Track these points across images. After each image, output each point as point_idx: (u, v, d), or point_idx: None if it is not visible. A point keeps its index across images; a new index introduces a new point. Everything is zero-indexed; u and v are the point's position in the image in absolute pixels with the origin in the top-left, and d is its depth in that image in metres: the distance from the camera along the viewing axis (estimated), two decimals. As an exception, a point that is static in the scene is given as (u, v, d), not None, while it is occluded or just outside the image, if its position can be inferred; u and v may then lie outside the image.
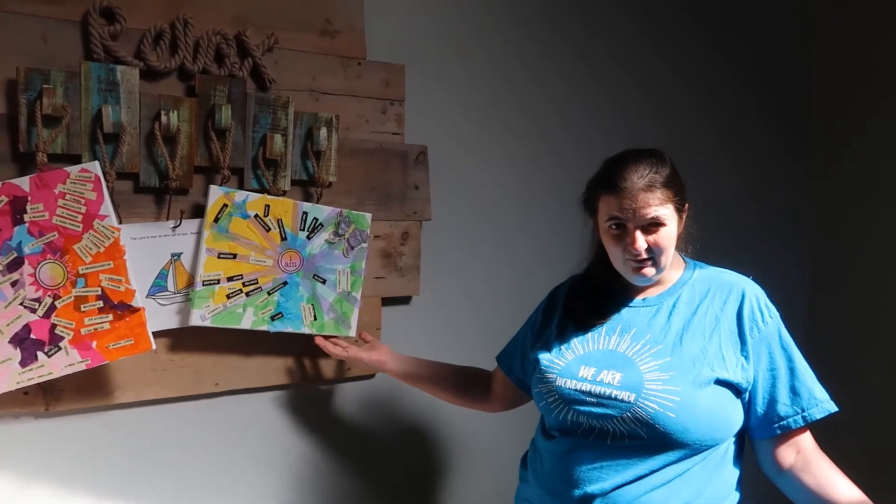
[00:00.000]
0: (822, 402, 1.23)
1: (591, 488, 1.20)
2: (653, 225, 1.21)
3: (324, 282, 1.60)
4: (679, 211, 1.25)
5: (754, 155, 2.35)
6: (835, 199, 2.41)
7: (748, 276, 1.32)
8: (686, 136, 2.20)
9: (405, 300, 1.80)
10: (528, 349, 1.41)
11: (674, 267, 1.30)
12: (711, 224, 2.06)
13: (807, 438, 1.25)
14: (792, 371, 1.24)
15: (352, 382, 1.74)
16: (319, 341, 1.56)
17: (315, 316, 1.59)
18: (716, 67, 2.27)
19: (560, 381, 1.26)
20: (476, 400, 1.58)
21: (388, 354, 1.57)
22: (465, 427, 1.88)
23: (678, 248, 1.29)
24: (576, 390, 1.24)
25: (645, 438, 1.18)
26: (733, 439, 1.26)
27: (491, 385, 1.55)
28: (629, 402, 1.19)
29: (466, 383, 1.57)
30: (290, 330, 1.56)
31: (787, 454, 1.25)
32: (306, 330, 1.58)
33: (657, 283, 1.30)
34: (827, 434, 1.35)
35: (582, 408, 1.23)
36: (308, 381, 1.66)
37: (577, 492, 1.21)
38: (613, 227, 1.24)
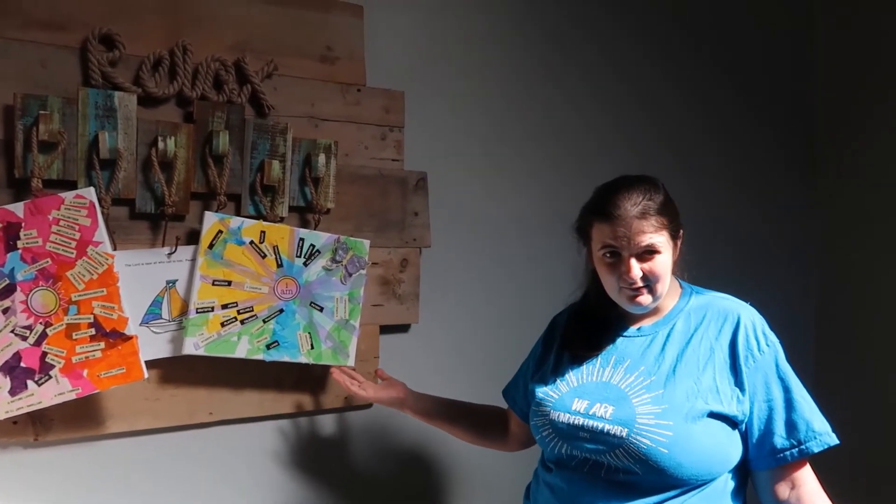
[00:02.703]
0: (820, 435, 1.18)
1: None
2: (647, 253, 1.19)
3: (321, 309, 1.58)
4: (674, 237, 1.23)
5: (759, 175, 2.33)
6: (841, 219, 2.37)
7: (747, 302, 1.28)
8: (692, 158, 2.19)
9: (404, 328, 1.77)
10: (529, 380, 1.39)
11: (670, 294, 1.27)
12: (716, 245, 2.07)
13: (805, 473, 1.20)
14: (789, 402, 1.19)
15: (349, 412, 1.71)
16: (337, 375, 1.53)
17: (312, 344, 1.56)
18: (722, 89, 2.26)
19: (554, 415, 1.24)
20: (494, 440, 1.54)
21: (406, 392, 1.54)
22: (465, 457, 1.84)
23: (674, 273, 1.27)
24: (569, 424, 1.22)
25: (639, 473, 1.16)
26: (733, 472, 1.21)
27: (508, 425, 1.52)
28: (621, 438, 1.16)
29: (484, 423, 1.54)
30: (286, 359, 1.54)
31: (783, 488, 1.21)
32: (303, 359, 1.56)
33: (653, 311, 1.27)
34: (835, 464, 1.30)
35: (575, 442, 1.21)
36: (304, 410, 1.64)
37: None
38: (608, 255, 1.21)
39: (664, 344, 1.24)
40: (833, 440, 1.19)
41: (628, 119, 2.10)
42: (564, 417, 1.22)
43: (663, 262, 1.20)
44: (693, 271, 1.32)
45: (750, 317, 1.24)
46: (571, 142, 2.01)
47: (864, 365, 2.28)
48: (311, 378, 1.62)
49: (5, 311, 1.28)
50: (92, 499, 1.44)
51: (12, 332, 1.28)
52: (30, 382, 1.28)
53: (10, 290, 1.28)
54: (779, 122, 2.38)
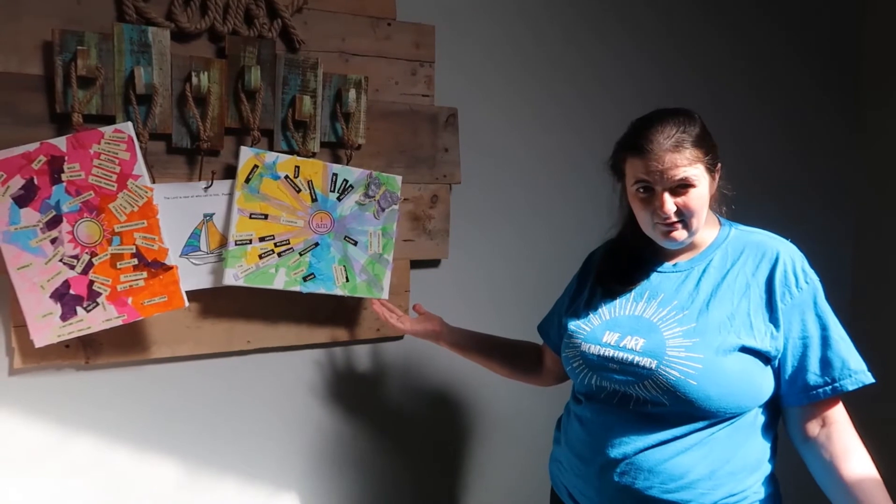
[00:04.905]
0: (856, 374, 1.16)
1: (615, 453, 1.19)
2: (681, 186, 1.17)
3: (355, 243, 1.61)
4: (711, 171, 1.20)
5: (800, 115, 2.27)
6: (884, 161, 2.30)
7: (786, 239, 1.25)
8: (728, 96, 2.13)
9: (434, 263, 1.80)
10: (563, 315, 1.40)
11: (707, 229, 1.25)
12: (755, 186, 2.03)
13: (837, 412, 1.19)
14: (825, 340, 1.18)
15: (381, 343, 1.76)
16: (377, 308, 1.57)
17: (347, 277, 1.60)
18: (760, 22, 2.18)
19: (585, 347, 1.25)
20: (529, 374, 1.56)
21: (443, 326, 1.56)
22: (499, 387, 1.88)
23: (711, 208, 1.25)
24: (599, 356, 1.23)
25: (667, 405, 1.16)
26: (764, 407, 1.21)
27: (542, 359, 1.54)
28: (650, 369, 1.17)
29: (519, 357, 1.56)
30: (322, 291, 1.58)
31: (813, 425, 1.20)
32: (338, 291, 1.60)
33: (689, 246, 1.26)
34: (870, 405, 1.28)
35: (605, 374, 1.22)
36: (338, 341, 1.69)
37: (602, 456, 1.21)
38: (641, 190, 1.20)
39: (699, 279, 1.23)
40: (869, 379, 1.17)
41: (664, 58, 2.04)
42: (595, 349, 1.23)
43: (699, 196, 1.18)
44: (732, 206, 1.29)
45: (789, 253, 1.21)
46: (604, 78, 1.97)
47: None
48: (344, 310, 1.67)
49: (53, 240, 1.33)
50: (138, 418, 1.52)
51: (60, 261, 1.34)
52: (79, 309, 1.35)
53: (56, 221, 1.34)
54: (822, 62, 2.29)
